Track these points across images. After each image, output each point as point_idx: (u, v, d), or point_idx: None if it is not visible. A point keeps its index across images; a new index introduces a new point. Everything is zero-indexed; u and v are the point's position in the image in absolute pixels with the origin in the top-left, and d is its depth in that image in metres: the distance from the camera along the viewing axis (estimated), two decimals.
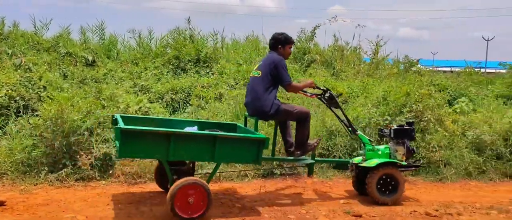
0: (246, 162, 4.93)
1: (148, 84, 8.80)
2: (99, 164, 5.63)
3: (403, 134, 5.36)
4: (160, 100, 8.12)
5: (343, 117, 5.56)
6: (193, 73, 9.74)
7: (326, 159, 6.41)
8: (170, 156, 4.23)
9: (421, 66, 13.12)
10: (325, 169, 6.55)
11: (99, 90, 7.23)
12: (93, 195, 5.11)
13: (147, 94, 8.26)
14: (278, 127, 5.38)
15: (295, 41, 5.43)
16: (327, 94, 5.46)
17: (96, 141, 5.72)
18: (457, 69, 16.97)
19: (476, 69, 13.95)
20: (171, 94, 8.28)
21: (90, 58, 10.37)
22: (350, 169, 5.53)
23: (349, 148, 6.70)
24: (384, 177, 5.17)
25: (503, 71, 16.16)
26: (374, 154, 5.37)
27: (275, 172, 6.27)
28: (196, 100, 7.54)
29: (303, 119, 5.18)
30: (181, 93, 8.35)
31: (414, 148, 5.57)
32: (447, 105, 8.32)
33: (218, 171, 5.23)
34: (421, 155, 6.66)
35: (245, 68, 9.78)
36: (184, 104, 8.07)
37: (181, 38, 11.45)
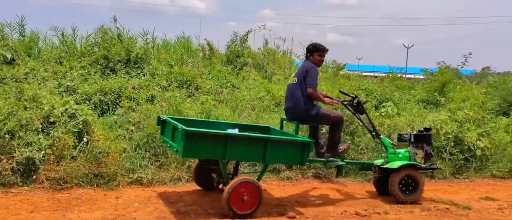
0: (292, 163, 5.47)
1: (74, 85, 8.39)
2: (21, 169, 5.29)
3: (422, 139, 5.88)
4: (87, 102, 7.77)
5: (367, 122, 6.00)
6: (123, 73, 9.43)
7: (354, 161, 6.63)
8: (227, 157, 4.63)
9: (348, 71, 13.73)
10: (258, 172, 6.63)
11: (21, 90, 6.78)
12: (15, 202, 4.79)
13: (74, 95, 7.87)
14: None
15: (327, 49, 5.68)
16: (355, 101, 5.88)
17: (18, 144, 5.36)
18: (381, 74, 17.93)
19: (399, 75, 14.82)
20: (100, 95, 7.95)
21: (9, 56, 9.70)
22: (374, 170, 5.91)
23: None
24: (405, 178, 5.63)
25: (421, 76, 17.33)
26: (395, 157, 5.80)
27: None
28: (127, 102, 7.30)
29: (337, 123, 5.58)
30: (110, 94, 8.05)
31: (431, 152, 6.03)
32: (374, 109, 8.76)
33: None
34: (351, 156, 6.96)
35: (177, 69, 9.64)
36: (114, 106, 7.79)
37: (108, 37, 11.03)
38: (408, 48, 61.67)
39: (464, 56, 12.57)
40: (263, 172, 5.06)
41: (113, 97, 8.04)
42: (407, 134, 6.08)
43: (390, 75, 14.34)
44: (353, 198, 5.84)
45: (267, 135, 5.06)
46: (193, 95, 8.81)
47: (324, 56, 5.67)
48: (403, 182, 5.62)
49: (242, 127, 5.71)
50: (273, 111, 8.70)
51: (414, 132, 6.00)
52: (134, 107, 7.35)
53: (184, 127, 4.45)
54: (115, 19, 11.57)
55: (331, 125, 5.61)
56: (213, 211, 4.91)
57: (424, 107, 10.57)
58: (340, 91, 6.23)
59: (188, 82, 9.16)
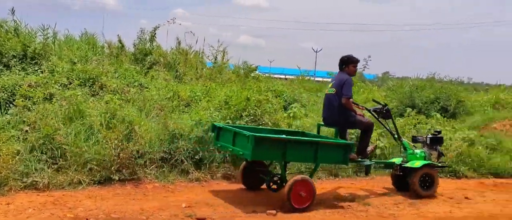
0: (337, 163, 6.12)
1: None
2: None
3: (436, 141, 6.75)
4: None
5: (392, 127, 6.73)
6: (19, 70, 8.69)
7: (379, 160, 7.22)
8: (286, 158, 5.43)
9: (259, 73, 13.99)
10: (166, 173, 6.48)
11: None
12: None
13: None
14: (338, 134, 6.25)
15: (359, 60, 6.45)
16: (385, 108, 6.65)
17: None
18: (291, 77, 18.55)
19: (308, 78, 15.40)
20: None
21: None
22: (395, 169, 6.60)
23: (191, 152, 6.74)
24: (424, 175, 6.36)
25: (328, 79, 18.18)
26: (414, 157, 6.52)
27: (113, 178, 5.97)
28: (22, 101, 6.74)
29: (368, 129, 6.25)
30: (3, 92, 7.38)
31: (443, 152, 6.88)
32: (283, 110, 8.99)
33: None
34: None
35: (79, 67, 9.12)
36: (7, 105, 7.16)
37: (3, 30, 10.12)
38: (316, 52, 64.51)
39: (364, 59, 13.37)
40: (314, 170, 5.84)
41: (6, 95, 7.37)
42: (422, 136, 6.95)
43: (300, 77, 14.87)
44: (262, 198, 5.92)
45: (318, 139, 5.75)
46: (97, 94, 8.37)
47: (357, 66, 6.38)
48: (421, 179, 6.35)
49: (279, 133, 6.23)
50: (183, 112, 8.57)
51: (430, 135, 6.85)
52: (30, 106, 6.82)
53: (253, 133, 5.14)
54: (12, 11, 10.64)
55: (364, 130, 6.26)
56: (116, 215, 4.70)
57: None
58: (373, 100, 7.25)
59: (92, 80, 8.69)
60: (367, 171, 6.68)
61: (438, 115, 10.44)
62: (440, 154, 6.81)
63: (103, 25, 36.42)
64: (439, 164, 6.79)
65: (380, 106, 6.71)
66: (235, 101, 7.72)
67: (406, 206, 6.00)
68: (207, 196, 5.86)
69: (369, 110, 6.72)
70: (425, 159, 6.55)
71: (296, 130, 7.20)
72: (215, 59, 12.62)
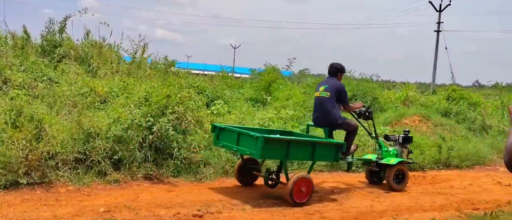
0: (330, 160, 6.92)
1: None
2: None
3: (407, 140, 7.47)
4: None
5: (371, 127, 7.31)
6: None
7: (359, 158, 7.52)
8: (289, 157, 5.91)
9: (178, 68, 13.66)
10: (81, 175, 6.06)
11: None
12: None
13: None
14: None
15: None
16: (369, 110, 7.23)
17: None
18: (211, 73, 18.36)
19: (230, 74, 15.34)
20: None
21: None
22: (371, 165, 7.28)
23: (109, 152, 6.36)
24: (397, 171, 7.03)
25: (247, 75, 18.31)
26: (387, 155, 7.20)
27: (20, 181, 5.44)
28: None
29: (354, 130, 6.76)
30: None
31: (411, 150, 7.69)
32: (206, 107, 8.83)
33: None
34: (183, 156, 6.86)
35: None
36: None
37: None
38: (235, 48, 64.85)
39: (288, 59, 13.62)
40: (311, 168, 6.31)
41: None
42: (394, 136, 7.61)
43: (221, 74, 14.75)
44: (186, 199, 5.73)
45: (317, 139, 6.40)
46: (1, 90, 7.64)
47: None
48: (395, 174, 7.01)
49: (273, 133, 6.66)
50: (98, 109, 8.09)
51: (402, 135, 7.50)
52: None
53: (263, 135, 5.53)
54: None
55: (350, 131, 6.74)
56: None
57: (252, 105, 11.11)
58: (362, 105, 7.45)
59: None
60: (349, 167, 7.20)
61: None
62: (409, 152, 7.63)
63: (5, 13, 33.56)
64: (410, 161, 7.68)
65: (364, 109, 7.24)
66: (155, 97, 7.41)
67: (329, 202, 6.13)
68: (128, 198, 5.55)
69: (352, 112, 7.25)
70: (397, 157, 7.24)
71: (285, 129, 7.78)
72: (134, 54, 12.10)
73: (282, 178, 6.26)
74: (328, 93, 6.60)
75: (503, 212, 5.63)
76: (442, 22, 34.72)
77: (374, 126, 7.36)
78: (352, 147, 6.94)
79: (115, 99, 8.27)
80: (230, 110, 9.34)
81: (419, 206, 6.25)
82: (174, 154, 6.80)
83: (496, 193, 7.54)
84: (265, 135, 5.58)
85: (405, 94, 16.90)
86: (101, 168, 6.21)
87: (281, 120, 8.28)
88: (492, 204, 6.63)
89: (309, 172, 6.15)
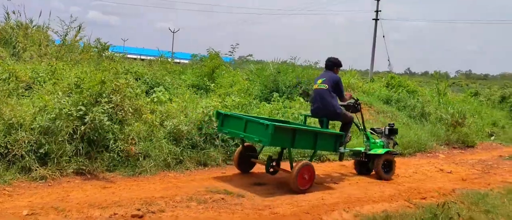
0: (330, 150, 7.00)
1: None
2: None
3: (393, 132, 7.86)
4: None
5: (359, 119, 7.62)
6: None
7: (351, 149, 7.70)
8: (294, 145, 6.05)
9: (112, 52, 12.81)
10: (1, 172, 5.37)
11: None
12: None
13: None
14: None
15: None
16: (357, 103, 7.56)
17: None
18: (149, 57, 17.55)
19: (170, 59, 14.67)
20: None
21: None
22: (361, 156, 7.55)
23: (34, 145, 5.69)
24: (385, 161, 7.36)
25: (186, 61, 17.70)
26: (375, 146, 7.54)
27: None
28: None
29: (349, 122, 7.13)
30: None
31: (396, 142, 8.11)
32: (145, 94, 8.24)
33: None
34: (120, 148, 6.30)
35: None
36: None
37: None
38: (173, 32, 63.31)
39: (231, 45, 13.20)
40: (313, 156, 6.81)
41: None
42: (380, 128, 7.98)
43: (160, 59, 14.05)
44: (123, 196, 5.21)
45: (319, 129, 6.72)
46: None
47: None
48: (384, 164, 7.35)
49: (274, 122, 6.51)
50: (23, 96, 7.29)
51: (388, 127, 7.87)
52: None
53: (273, 123, 5.76)
54: None
55: (346, 122, 7.09)
56: None
57: (194, 92, 10.61)
58: (351, 96, 7.76)
59: None
60: (341, 158, 7.44)
61: (302, 99, 10.69)
62: (395, 143, 7.97)
63: None
64: (397, 151, 8.05)
65: (353, 101, 7.54)
66: (88, 84, 6.74)
67: (279, 195, 5.83)
68: (56, 198, 4.96)
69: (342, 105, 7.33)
70: (384, 147, 7.57)
71: (282, 119, 8.19)
72: (65, 36, 11.14)
73: (282, 165, 6.68)
74: (326, 85, 6.91)
75: (454, 203, 5.59)
76: (380, 11, 35.73)
77: (362, 119, 7.70)
78: (346, 138, 7.21)
79: (42, 85, 7.47)
80: (171, 98, 8.79)
81: (369, 197, 6.12)
82: (110, 146, 6.25)
83: (440, 181, 7.63)
84: (276, 124, 5.78)
85: (347, 81, 17.01)
86: (24, 164, 5.57)
87: (226, 108, 7.87)
88: (437, 192, 6.66)
89: (311, 160, 6.52)
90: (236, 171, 6.95)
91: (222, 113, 6.51)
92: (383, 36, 37.78)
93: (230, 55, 13.66)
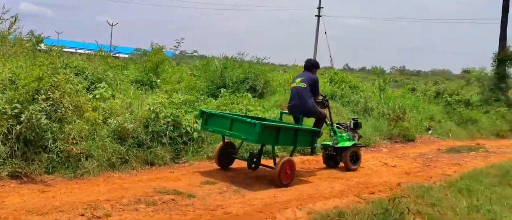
0: (307, 145, 7.46)
1: None
2: None
3: (357, 126, 8.45)
4: None
5: (327, 114, 7.83)
6: None
7: (322, 143, 8.09)
8: (278, 143, 6.52)
9: (47, 45, 12.06)
10: None
11: None
12: None
13: None
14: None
15: None
16: (325, 99, 7.88)
17: None
18: (87, 51, 16.73)
19: (113, 54, 14.08)
20: None
21: None
22: (329, 150, 8.01)
23: None
24: (352, 153, 7.91)
25: (126, 55, 17.12)
26: (342, 139, 8.00)
27: None
28: None
29: (323, 118, 7.58)
30: None
31: (361, 135, 8.77)
32: (86, 90, 7.81)
33: None
34: (60, 148, 5.91)
35: None
36: None
37: None
38: (112, 25, 61.32)
39: (176, 40, 12.88)
40: (293, 152, 7.18)
41: None
42: (345, 123, 8.54)
43: (100, 53, 13.39)
44: (65, 201, 4.86)
45: (299, 126, 6.98)
46: None
47: None
48: (351, 155, 7.87)
49: (257, 120, 6.75)
50: None
51: (352, 122, 8.42)
52: None
53: (260, 121, 6.14)
54: None
55: (319, 119, 7.51)
56: None
57: (137, 88, 10.23)
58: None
59: None
60: (313, 152, 8.10)
61: (249, 95, 10.61)
62: (360, 136, 8.62)
63: None
64: (362, 144, 8.82)
65: (321, 97, 7.80)
66: (24, 80, 6.26)
67: (231, 194, 5.71)
68: None
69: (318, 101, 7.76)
70: (350, 141, 8.05)
71: (258, 116, 8.48)
72: None
73: (263, 161, 6.98)
74: (305, 84, 7.22)
75: (405, 197, 5.72)
76: (322, 7, 36.47)
77: (329, 114, 8.01)
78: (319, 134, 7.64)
79: None
80: (114, 94, 8.40)
81: (321, 194, 6.14)
82: (48, 146, 5.85)
83: (385, 175, 7.81)
84: (263, 122, 6.13)
85: (292, 77, 17.16)
86: None
87: (173, 105, 7.62)
88: (384, 186, 6.79)
89: (291, 155, 6.92)
90: (183, 170, 6.76)
91: (206, 111, 6.73)
92: (325, 33, 38.53)
93: (175, 49, 13.32)
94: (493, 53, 20.22)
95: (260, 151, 6.92)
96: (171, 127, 7.22)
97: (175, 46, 13.58)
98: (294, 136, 6.65)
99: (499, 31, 20.47)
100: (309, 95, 7.20)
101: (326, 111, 7.85)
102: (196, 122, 7.69)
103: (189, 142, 7.45)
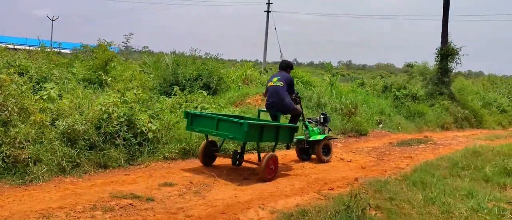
0: (287, 141, 7.67)
1: None
2: None
3: (327, 120, 9.03)
4: None
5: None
6: None
7: (296, 137, 8.31)
8: (262, 139, 6.94)
9: None
10: None
11: None
12: None
13: None
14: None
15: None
16: (297, 96, 8.26)
17: None
18: (25, 48, 15.91)
19: (57, 50, 13.45)
20: None
21: None
22: (302, 143, 8.53)
23: None
24: (324, 146, 8.51)
25: (66, 50, 16.45)
26: (313, 133, 8.55)
27: None
28: None
29: (298, 115, 8.09)
30: None
31: (330, 128, 9.36)
32: (32, 91, 7.39)
33: None
34: (6, 153, 5.55)
35: None
36: None
37: None
38: (53, 20, 58.76)
39: (124, 36, 12.46)
40: (275, 146, 7.50)
41: None
42: (316, 117, 9.13)
43: (41, 49, 12.72)
44: (14, 210, 4.58)
45: (280, 124, 7.42)
46: None
47: None
48: (323, 148, 8.46)
49: (236, 118, 7.17)
50: None
51: (322, 116, 9.01)
52: None
53: (247, 121, 6.55)
54: None
55: (295, 115, 8.01)
56: None
57: (85, 86, 9.82)
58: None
59: None
60: (289, 146, 8.32)
61: (204, 93, 10.46)
62: (329, 129, 9.23)
63: None
64: (333, 136, 9.65)
65: (294, 95, 8.09)
66: None
67: (191, 196, 5.58)
68: None
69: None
70: (321, 134, 8.63)
71: (236, 114, 9.12)
72: None
73: (245, 156, 7.36)
74: (282, 83, 7.71)
75: (365, 193, 5.82)
76: (272, 3, 36.64)
77: (301, 109, 8.42)
78: None
79: None
80: (61, 94, 8.00)
81: (281, 192, 6.13)
82: None
83: (342, 170, 7.94)
84: (250, 121, 6.51)
85: (244, 73, 17.14)
86: None
87: (126, 104, 7.36)
88: (342, 181, 6.92)
89: (273, 151, 7.25)
90: (139, 172, 6.56)
91: (191, 112, 7.04)
92: (275, 28, 38.87)
93: (124, 45, 12.90)
94: (436, 49, 20.94)
95: (243, 149, 7.37)
96: (125, 128, 6.99)
97: (123, 41, 13.14)
98: (275, 132, 7.07)
99: (440, 28, 21.34)
100: (286, 93, 7.68)
101: (298, 107, 8.23)
102: (151, 122, 7.48)
103: (144, 143, 7.24)
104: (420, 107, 17.11)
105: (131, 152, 6.98)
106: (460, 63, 20.60)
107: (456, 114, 17.81)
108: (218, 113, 8.70)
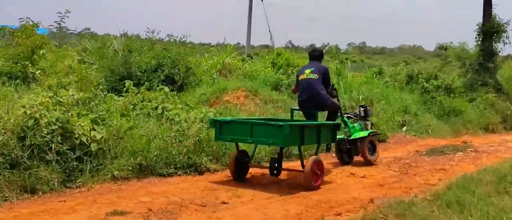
0: (329, 142, 8.84)
1: None
2: None
3: (368, 113, 10.13)
4: None
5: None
6: None
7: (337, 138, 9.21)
8: (304, 142, 7.88)
9: None
10: None
11: None
12: None
13: None
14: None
15: None
16: (333, 88, 9.45)
17: None
18: None
19: None
20: None
21: None
22: (343, 144, 9.77)
23: None
24: (369, 143, 9.72)
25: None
26: (354, 130, 9.71)
27: None
28: None
29: (337, 110, 9.24)
30: None
31: (373, 123, 10.60)
32: None
33: None
34: None
35: None
36: None
37: None
38: None
39: (59, 14, 12.40)
40: (317, 150, 8.40)
41: None
42: (355, 111, 10.39)
43: None
44: None
45: (321, 122, 8.59)
46: None
47: None
48: (368, 145, 9.65)
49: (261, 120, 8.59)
50: None
51: (362, 109, 10.15)
52: None
53: (287, 123, 7.44)
54: None
55: (333, 111, 9.10)
56: None
57: (3, 83, 9.79)
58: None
59: None
60: (328, 148, 9.38)
61: (166, 89, 10.49)
62: (372, 124, 10.30)
63: None
64: (378, 132, 10.90)
65: (329, 87, 9.08)
66: None
67: None
68: None
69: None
70: (363, 130, 9.79)
71: (265, 117, 10.45)
72: None
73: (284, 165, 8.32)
74: (316, 75, 8.76)
75: (385, 219, 5.88)
76: None
77: (339, 103, 9.42)
78: None
79: None
80: None
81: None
82: None
83: (353, 189, 8.02)
84: (290, 124, 7.32)
85: (221, 61, 17.13)
86: None
87: (61, 106, 7.36)
88: (353, 204, 6.99)
89: (316, 154, 8.15)
90: (79, 198, 6.56)
91: (219, 120, 7.95)
92: (262, 0, 38.71)
93: (58, 27, 12.84)
94: (477, 25, 20.99)
95: (280, 155, 8.21)
96: (59, 138, 7.01)
97: (56, 21, 13.06)
98: (317, 133, 7.97)
99: None
100: (322, 86, 8.77)
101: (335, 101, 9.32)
102: (94, 129, 7.48)
103: (85, 158, 7.24)
104: (457, 102, 17.31)
105: (67, 170, 7.01)
106: (510, 42, 20.77)
107: (505, 111, 18.09)
108: (251, 117, 9.89)
